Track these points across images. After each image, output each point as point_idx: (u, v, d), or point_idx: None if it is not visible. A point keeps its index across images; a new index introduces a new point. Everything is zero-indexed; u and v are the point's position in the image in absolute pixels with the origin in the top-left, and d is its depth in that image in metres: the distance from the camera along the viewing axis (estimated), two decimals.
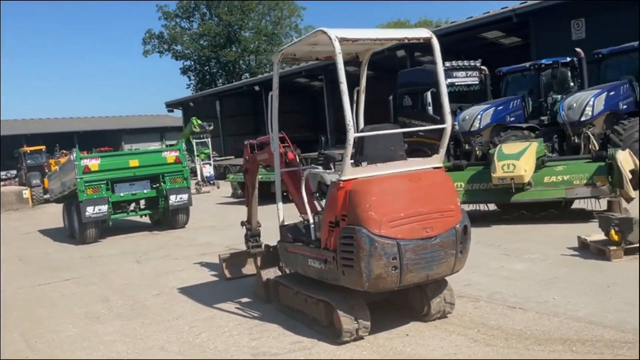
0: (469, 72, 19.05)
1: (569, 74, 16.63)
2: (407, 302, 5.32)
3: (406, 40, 4.95)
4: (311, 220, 5.21)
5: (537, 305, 5.40)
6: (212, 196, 21.24)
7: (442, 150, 5.14)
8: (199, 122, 25.52)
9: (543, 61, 16.58)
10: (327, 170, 5.23)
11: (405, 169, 4.93)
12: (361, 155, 4.89)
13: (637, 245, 6.71)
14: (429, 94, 18.35)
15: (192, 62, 55.01)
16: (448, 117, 5.03)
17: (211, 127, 26.89)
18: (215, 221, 14.33)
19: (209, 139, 26.62)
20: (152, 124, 58.40)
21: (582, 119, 13.43)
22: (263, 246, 6.88)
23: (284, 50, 5.45)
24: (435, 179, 4.95)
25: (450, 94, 19.41)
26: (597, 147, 13.06)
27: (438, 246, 4.67)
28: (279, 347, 4.94)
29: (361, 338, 4.86)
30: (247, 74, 52.31)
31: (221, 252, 9.69)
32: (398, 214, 4.58)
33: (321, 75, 28.07)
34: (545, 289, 5.88)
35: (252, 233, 7.78)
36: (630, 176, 9.15)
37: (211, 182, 24.66)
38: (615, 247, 6.75)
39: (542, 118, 15.86)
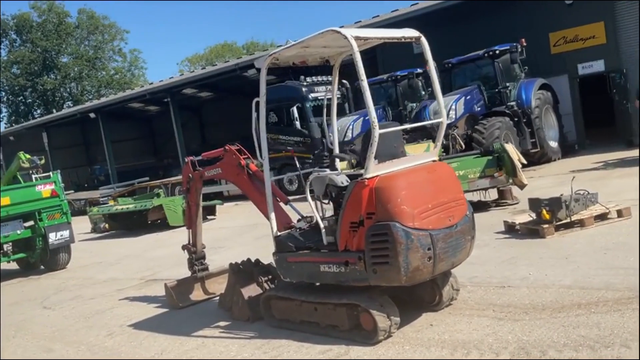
0: (329, 87, 19.83)
1: (420, 83, 18.27)
2: (414, 294, 5.42)
3: (402, 40, 5.12)
4: (321, 225, 5.07)
5: (521, 282, 5.82)
6: None
7: (439, 144, 5.39)
8: (28, 156, 23.22)
9: (398, 73, 17.91)
10: (335, 172, 5.14)
11: (412, 163, 5.06)
12: None
13: (566, 221, 7.55)
14: (294, 109, 18.74)
15: (4, 93, 49.67)
16: (443, 112, 5.28)
17: (42, 161, 24.61)
18: (95, 258, 13.18)
19: (52, 173, 24.30)
20: None
21: (448, 122, 14.72)
22: (228, 265, 6.51)
23: (275, 53, 5.29)
24: (444, 170, 5.15)
25: (313, 108, 19.90)
26: (464, 147, 14.45)
27: (460, 233, 4.87)
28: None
29: (390, 335, 4.85)
30: (69, 102, 48.55)
31: (141, 280, 8.96)
32: (427, 205, 4.68)
33: (167, 98, 27.05)
34: (513, 268, 6.36)
35: (198, 256, 7.36)
36: (521, 165, 10.27)
37: None
38: (547, 225, 7.50)
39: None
